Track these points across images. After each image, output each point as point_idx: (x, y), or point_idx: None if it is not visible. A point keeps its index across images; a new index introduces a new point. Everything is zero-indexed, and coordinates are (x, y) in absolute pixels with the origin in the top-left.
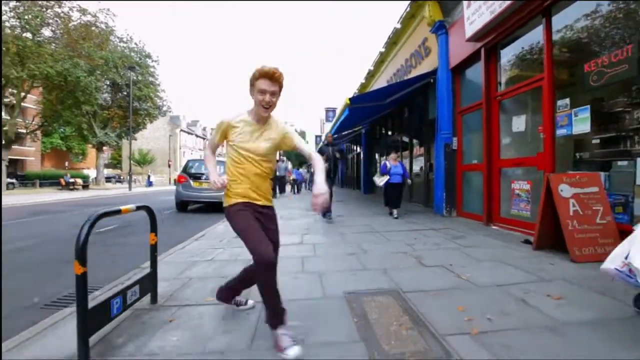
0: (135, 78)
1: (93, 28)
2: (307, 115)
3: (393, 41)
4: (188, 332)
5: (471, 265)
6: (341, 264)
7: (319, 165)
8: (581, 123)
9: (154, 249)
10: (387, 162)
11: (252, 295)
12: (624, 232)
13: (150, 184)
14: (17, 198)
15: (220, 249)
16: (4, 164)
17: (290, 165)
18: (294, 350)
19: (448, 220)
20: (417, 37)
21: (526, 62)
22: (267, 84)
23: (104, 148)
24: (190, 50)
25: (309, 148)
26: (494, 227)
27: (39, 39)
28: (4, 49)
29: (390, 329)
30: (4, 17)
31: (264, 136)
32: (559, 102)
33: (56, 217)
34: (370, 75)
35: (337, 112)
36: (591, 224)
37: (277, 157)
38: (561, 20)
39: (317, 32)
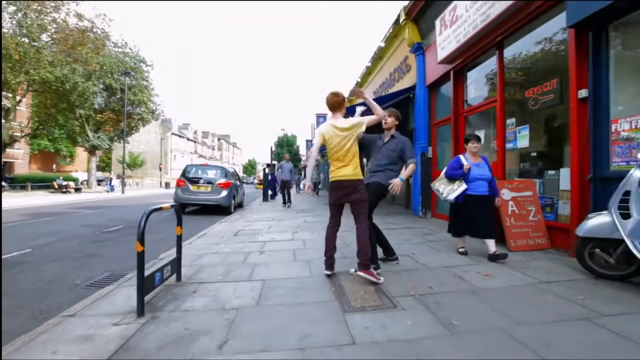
0: (129, 82)
1: (89, 33)
2: (299, 120)
3: (378, 56)
4: (210, 298)
5: (430, 255)
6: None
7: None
8: (523, 139)
9: (179, 239)
10: (463, 157)
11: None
12: (551, 228)
13: (112, 188)
14: (15, 200)
15: (222, 244)
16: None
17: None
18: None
19: (423, 220)
20: (399, 55)
21: (486, 85)
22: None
23: (96, 151)
24: (182, 53)
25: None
26: None
27: (36, 44)
28: (5, 54)
29: (358, 294)
30: (5, 25)
31: None
32: (508, 121)
33: (62, 218)
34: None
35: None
36: (525, 221)
37: (286, 159)
38: (510, 53)
39: (308, 40)
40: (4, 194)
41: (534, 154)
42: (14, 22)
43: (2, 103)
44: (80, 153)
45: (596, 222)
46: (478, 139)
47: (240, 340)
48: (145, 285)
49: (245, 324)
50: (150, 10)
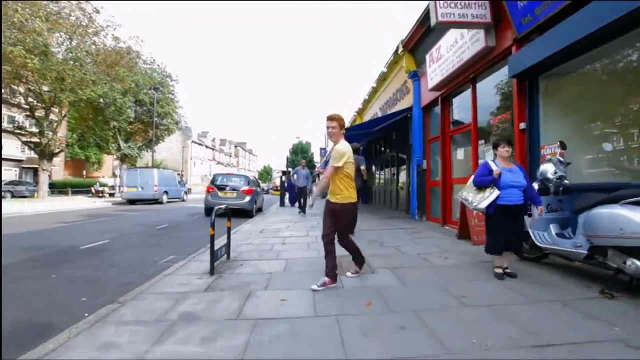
0: (157, 96)
1: (124, 54)
2: (313, 128)
3: (383, 78)
4: (252, 268)
5: (411, 246)
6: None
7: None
8: (489, 157)
9: (229, 230)
10: (492, 163)
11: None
12: None
13: None
14: (65, 204)
15: (252, 238)
16: (46, 173)
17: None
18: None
19: (418, 223)
20: (400, 78)
21: (465, 111)
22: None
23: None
24: (199, 62)
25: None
26: (446, 227)
27: (81, 66)
28: (58, 77)
29: (352, 266)
30: (55, 50)
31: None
32: (480, 142)
33: (114, 219)
34: (366, 102)
35: None
36: None
37: (302, 164)
38: (480, 87)
39: (323, 50)
40: (49, 199)
41: None
42: (64, 48)
43: (50, 117)
44: (107, 160)
45: None
46: (509, 142)
47: (276, 285)
48: (214, 256)
49: (278, 279)
50: (168, 19)
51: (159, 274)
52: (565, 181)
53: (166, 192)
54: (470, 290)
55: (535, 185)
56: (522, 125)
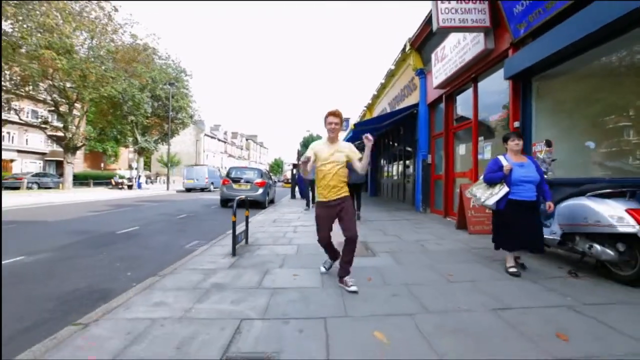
0: (172, 91)
1: (141, 51)
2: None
3: (391, 74)
4: (268, 250)
5: (411, 235)
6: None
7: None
8: (487, 152)
9: (247, 218)
10: (503, 158)
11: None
12: None
13: (139, 185)
14: (91, 195)
15: (266, 227)
16: (71, 166)
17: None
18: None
19: (422, 215)
20: (407, 75)
21: (467, 109)
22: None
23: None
24: (211, 56)
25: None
26: (448, 219)
27: (102, 64)
28: (82, 75)
29: (356, 250)
30: (77, 48)
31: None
32: (479, 138)
33: (138, 209)
34: (375, 97)
35: (349, 126)
36: (483, 212)
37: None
38: (482, 87)
39: (334, 43)
40: (74, 190)
41: None
42: (85, 46)
43: (73, 112)
44: (123, 152)
45: None
46: (519, 135)
47: (289, 264)
48: (235, 239)
49: (291, 260)
50: (182, 15)
51: (188, 255)
52: (545, 176)
53: (212, 182)
54: (456, 270)
55: None
56: (516, 124)
